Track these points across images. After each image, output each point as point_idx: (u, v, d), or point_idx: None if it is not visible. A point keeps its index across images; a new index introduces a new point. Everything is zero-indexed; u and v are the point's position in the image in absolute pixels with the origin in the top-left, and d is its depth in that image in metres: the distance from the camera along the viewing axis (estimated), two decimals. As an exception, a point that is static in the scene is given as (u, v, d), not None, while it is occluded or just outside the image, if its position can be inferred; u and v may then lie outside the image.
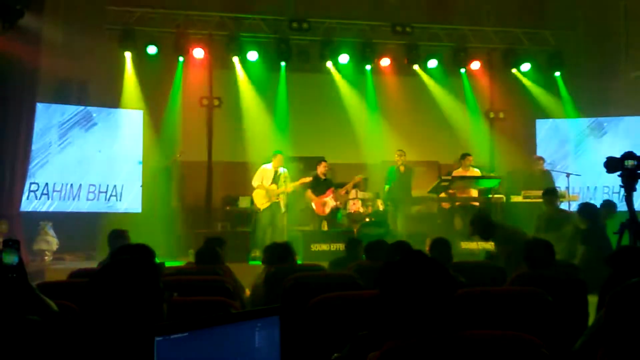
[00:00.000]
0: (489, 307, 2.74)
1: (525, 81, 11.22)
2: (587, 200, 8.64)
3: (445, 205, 9.42)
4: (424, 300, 1.72)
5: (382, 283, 1.79)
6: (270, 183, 8.99)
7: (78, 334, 1.77)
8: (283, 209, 9.09)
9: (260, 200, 8.98)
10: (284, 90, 10.77)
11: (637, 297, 1.40)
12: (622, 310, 1.40)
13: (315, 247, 8.43)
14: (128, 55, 9.94)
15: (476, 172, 9.56)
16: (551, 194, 7.66)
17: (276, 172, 9.04)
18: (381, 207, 9.70)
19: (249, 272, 6.16)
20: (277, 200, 8.99)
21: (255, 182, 9.04)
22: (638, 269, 2.66)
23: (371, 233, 9.02)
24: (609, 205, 7.00)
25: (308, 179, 9.20)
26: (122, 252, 3.23)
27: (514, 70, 11.16)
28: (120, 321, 1.68)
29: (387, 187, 9.56)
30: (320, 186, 9.25)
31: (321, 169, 9.30)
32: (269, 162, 9.12)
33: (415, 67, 10.94)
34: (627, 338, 1.37)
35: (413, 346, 1.66)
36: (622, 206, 3.85)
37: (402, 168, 9.42)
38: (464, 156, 9.57)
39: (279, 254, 4.49)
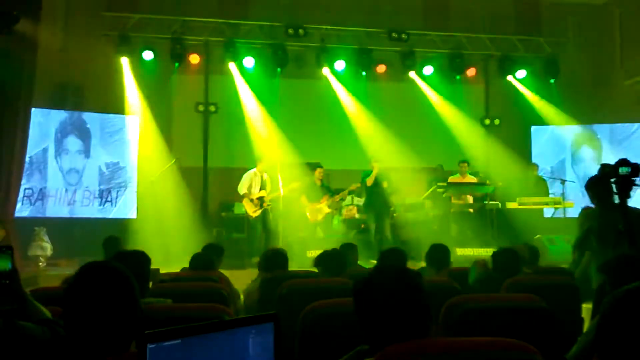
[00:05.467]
0: (484, 314, 2.73)
1: (521, 88, 11.26)
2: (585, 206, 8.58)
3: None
4: (396, 312, 1.73)
5: (355, 302, 1.82)
6: (259, 189, 8.99)
7: (65, 342, 1.77)
8: (271, 215, 9.07)
9: (252, 208, 8.96)
10: (280, 96, 10.77)
11: (631, 305, 1.40)
12: (615, 318, 1.40)
13: (311, 253, 8.38)
14: (125, 60, 9.93)
15: (472, 178, 9.58)
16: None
17: (262, 177, 9.05)
18: (357, 216, 9.66)
19: (244, 278, 6.15)
20: (267, 207, 8.97)
21: (242, 190, 8.94)
22: (633, 276, 2.66)
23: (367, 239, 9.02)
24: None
25: (297, 184, 9.18)
26: (118, 258, 3.21)
27: (509, 77, 11.19)
28: (94, 330, 1.70)
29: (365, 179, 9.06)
30: (315, 192, 9.23)
31: (317, 175, 9.29)
32: (252, 168, 9.11)
33: (411, 73, 10.97)
34: (620, 346, 1.37)
35: (407, 354, 1.66)
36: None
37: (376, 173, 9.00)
38: (461, 163, 9.58)
39: (275, 260, 4.49)
